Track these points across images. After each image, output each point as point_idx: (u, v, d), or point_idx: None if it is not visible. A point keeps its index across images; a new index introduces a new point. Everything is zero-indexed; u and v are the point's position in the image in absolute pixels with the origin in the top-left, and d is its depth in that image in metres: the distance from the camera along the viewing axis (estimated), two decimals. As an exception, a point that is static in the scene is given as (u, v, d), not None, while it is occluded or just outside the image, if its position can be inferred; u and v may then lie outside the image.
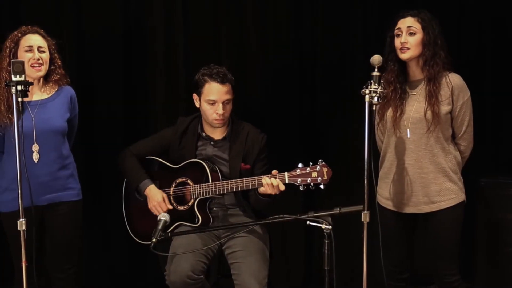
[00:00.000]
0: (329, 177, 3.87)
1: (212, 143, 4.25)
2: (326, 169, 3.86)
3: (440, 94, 3.95)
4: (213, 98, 4.11)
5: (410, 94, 4.05)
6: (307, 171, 3.87)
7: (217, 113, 4.12)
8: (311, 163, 3.89)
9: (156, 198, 4.20)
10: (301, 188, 3.90)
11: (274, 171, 3.96)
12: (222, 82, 4.12)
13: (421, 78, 4.03)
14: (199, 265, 4.00)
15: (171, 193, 4.25)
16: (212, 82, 4.12)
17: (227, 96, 4.14)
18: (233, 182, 4.03)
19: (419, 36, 3.95)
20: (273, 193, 3.94)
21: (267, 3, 5.34)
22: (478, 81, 5.13)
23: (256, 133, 4.27)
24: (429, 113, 3.93)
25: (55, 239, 4.25)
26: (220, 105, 4.11)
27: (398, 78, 4.05)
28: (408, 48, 3.94)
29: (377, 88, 3.62)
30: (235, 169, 4.18)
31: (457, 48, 5.20)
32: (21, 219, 3.66)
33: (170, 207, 4.20)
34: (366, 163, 3.68)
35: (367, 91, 3.63)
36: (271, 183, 3.91)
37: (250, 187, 4.01)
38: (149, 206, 4.24)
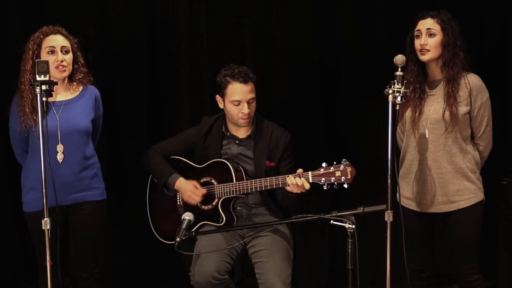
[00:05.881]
0: (353, 176, 3.86)
1: (236, 142, 4.25)
2: (350, 168, 3.86)
3: (458, 95, 3.95)
4: (237, 99, 4.10)
5: (429, 94, 4.06)
6: (331, 171, 3.87)
7: (242, 112, 4.11)
8: (334, 163, 3.88)
9: (188, 188, 4.17)
10: (324, 187, 3.89)
11: (299, 170, 3.94)
12: (245, 81, 4.10)
13: (440, 78, 4.04)
14: (223, 265, 4.00)
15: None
16: (235, 82, 4.10)
17: (251, 95, 4.12)
18: (257, 181, 4.03)
19: (438, 37, 3.95)
20: (298, 191, 3.93)
21: (292, 2, 5.34)
22: (501, 80, 5.12)
23: (280, 132, 4.26)
24: (447, 113, 3.94)
25: (79, 238, 4.26)
26: (245, 104, 4.10)
27: (418, 78, 4.06)
28: (428, 50, 3.95)
29: (400, 88, 3.63)
30: (260, 167, 4.17)
31: (481, 46, 5.18)
32: (45, 219, 3.67)
33: (204, 191, 4.17)
34: (389, 163, 3.68)
35: (390, 91, 3.64)
36: (296, 183, 3.91)
37: (274, 186, 4.01)
38: (184, 199, 4.21)
